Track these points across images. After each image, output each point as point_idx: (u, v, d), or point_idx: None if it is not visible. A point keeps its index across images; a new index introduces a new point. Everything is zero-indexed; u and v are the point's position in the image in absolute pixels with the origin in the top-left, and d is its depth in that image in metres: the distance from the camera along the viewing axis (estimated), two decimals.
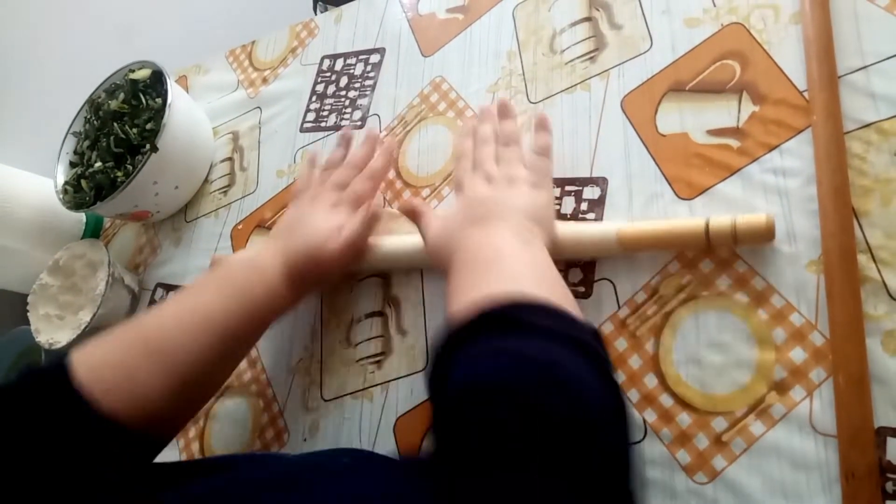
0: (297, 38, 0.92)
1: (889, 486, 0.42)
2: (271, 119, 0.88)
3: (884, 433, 0.43)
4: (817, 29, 0.53)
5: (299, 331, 0.71)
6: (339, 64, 0.85)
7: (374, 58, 0.83)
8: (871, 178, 0.49)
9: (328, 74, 0.85)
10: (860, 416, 0.43)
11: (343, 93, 0.82)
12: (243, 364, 0.73)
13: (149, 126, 0.83)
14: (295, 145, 0.83)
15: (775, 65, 0.56)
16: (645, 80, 0.62)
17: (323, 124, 0.82)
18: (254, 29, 1.05)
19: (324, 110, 0.83)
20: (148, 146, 0.80)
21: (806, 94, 0.53)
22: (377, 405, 0.63)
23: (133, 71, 0.88)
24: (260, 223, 0.80)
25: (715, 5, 0.61)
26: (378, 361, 0.65)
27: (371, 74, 0.81)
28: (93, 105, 0.90)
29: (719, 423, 0.48)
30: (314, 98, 0.85)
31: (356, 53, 0.85)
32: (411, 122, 0.75)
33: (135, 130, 0.83)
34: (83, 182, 0.85)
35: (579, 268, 0.58)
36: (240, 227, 0.82)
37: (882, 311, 0.45)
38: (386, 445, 0.61)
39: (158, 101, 0.84)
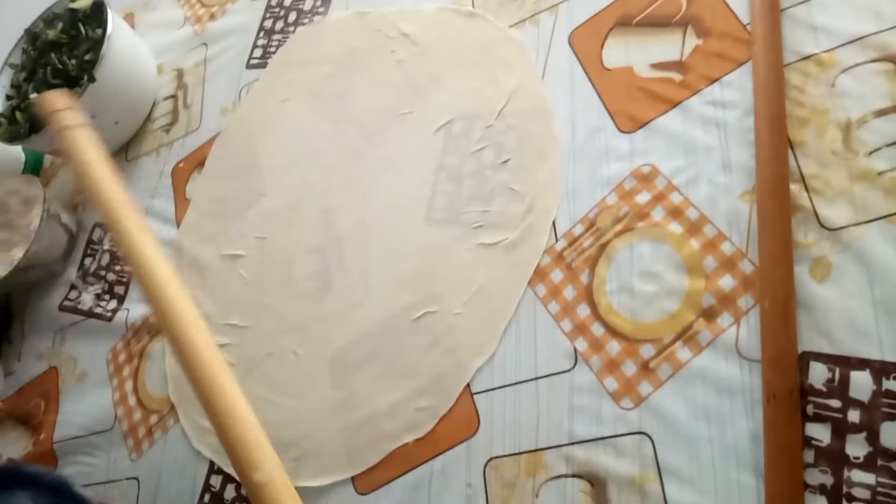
0: None
1: (809, 409, 0.42)
2: (217, 56, 0.85)
3: (807, 357, 0.43)
4: None
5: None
6: None
7: None
8: (808, 108, 0.48)
9: (276, 10, 0.83)
10: (784, 339, 0.43)
11: (291, 28, 0.80)
12: None
13: (87, 57, 0.80)
14: (240, 82, 0.81)
15: None
16: (593, 14, 0.61)
17: (269, 60, 0.80)
18: None
19: (271, 46, 0.80)
20: (86, 77, 0.77)
21: (749, 27, 0.53)
22: None
23: (73, 0, 0.85)
24: (201, 161, 0.78)
25: None
26: None
27: (321, 9, 0.79)
28: (30, 35, 0.86)
29: (647, 350, 0.48)
30: (262, 34, 0.82)
31: None
32: None
33: (73, 61, 0.80)
34: (18, 114, 0.82)
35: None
36: (181, 165, 0.80)
37: (812, 238, 0.45)
38: None
39: (98, 31, 0.81)
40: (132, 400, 0.70)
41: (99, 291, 0.79)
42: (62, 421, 0.75)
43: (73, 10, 0.83)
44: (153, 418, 0.68)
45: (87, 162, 0.53)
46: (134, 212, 0.50)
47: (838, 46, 0.49)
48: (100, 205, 0.51)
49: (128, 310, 0.75)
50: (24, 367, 0.82)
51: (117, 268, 0.79)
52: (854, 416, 0.40)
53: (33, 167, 0.94)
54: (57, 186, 0.92)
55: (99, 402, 0.73)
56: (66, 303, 0.82)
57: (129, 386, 0.71)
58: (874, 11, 0.48)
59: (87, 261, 0.83)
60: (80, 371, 0.76)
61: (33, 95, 0.80)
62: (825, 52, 0.49)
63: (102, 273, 0.80)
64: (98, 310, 0.78)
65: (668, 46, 0.56)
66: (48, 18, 0.86)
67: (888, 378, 0.40)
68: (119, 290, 0.78)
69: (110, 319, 0.76)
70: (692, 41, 0.55)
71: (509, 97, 0.62)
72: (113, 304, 0.77)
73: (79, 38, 0.82)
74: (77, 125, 0.56)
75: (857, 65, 0.48)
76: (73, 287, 0.82)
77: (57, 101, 0.58)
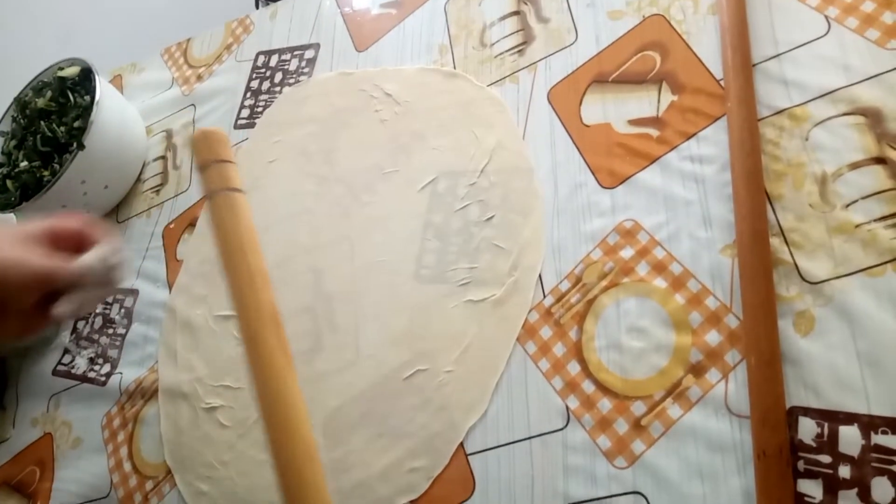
0: (233, 35, 0.91)
1: (801, 465, 0.42)
2: (205, 116, 0.86)
3: (795, 413, 0.43)
4: (732, 18, 0.54)
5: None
6: (273, 60, 0.84)
7: (309, 53, 0.82)
8: (784, 162, 0.49)
9: (263, 70, 0.84)
10: (771, 396, 0.43)
11: (277, 88, 0.81)
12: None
13: (76, 124, 0.81)
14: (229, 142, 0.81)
15: (694, 55, 0.56)
16: (570, 72, 0.62)
17: (257, 119, 0.81)
18: (197, 26, 1.03)
19: (258, 106, 0.82)
20: (75, 144, 0.78)
21: (722, 82, 0.54)
22: None
23: (62, 69, 0.86)
24: (192, 222, 0.79)
25: None
26: None
27: (306, 70, 0.81)
28: (20, 104, 0.87)
29: (638, 408, 0.48)
30: (248, 94, 0.84)
31: (291, 49, 0.84)
32: None
33: (62, 129, 0.81)
34: (9, 182, 0.83)
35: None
36: (172, 225, 0.81)
37: (794, 292, 0.46)
38: None
39: (87, 98, 0.82)
40: (127, 466, 0.70)
41: (92, 355, 0.79)
42: (58, 489, 0.74)
43: (62, 78, 0.84)
44: (149, 484, 0.68)
45: (238, 237, 0.43)
46: (270, 322, 0.44)
47: (810, 100, 0.50)
48: (232, 290, 0.43)
49: (121, 374, 0.75)
50: (18, 433, 0.81)
51: (110, 331, 0.79)
52: (845, 471, 0.41)
53: None
54: None
55: (94, 468, 0.72)
56: (60, 367, 0.82)
57: (123, 451, 0.71)
58: (843, 65, 0.50)
59: (80, 324, 0.83)
60: (75, 437, 0.76)
61: (24, 164, 0.81)
62: (797, 105, 0.50)
63: (95, 337, 0.80)
64: (92, 374, 0.78)
65: (645, 103, 0.57)
66: (37, 87, 0.87)
67: (876, 432, 0.41)
68: (112, 353, 0.78)
69: (104, 384, 0.76)
70: (667, 97, 0.56)
71: (491, 154, 0.63)
72: (106, 368, 0.77)
73: (68, 106, 0.83)
74: (238, 188, 0.44)
75: (829, 118, 0.49)
76: (66, 351, 0.82)
77: (223, 149, 0.45)
